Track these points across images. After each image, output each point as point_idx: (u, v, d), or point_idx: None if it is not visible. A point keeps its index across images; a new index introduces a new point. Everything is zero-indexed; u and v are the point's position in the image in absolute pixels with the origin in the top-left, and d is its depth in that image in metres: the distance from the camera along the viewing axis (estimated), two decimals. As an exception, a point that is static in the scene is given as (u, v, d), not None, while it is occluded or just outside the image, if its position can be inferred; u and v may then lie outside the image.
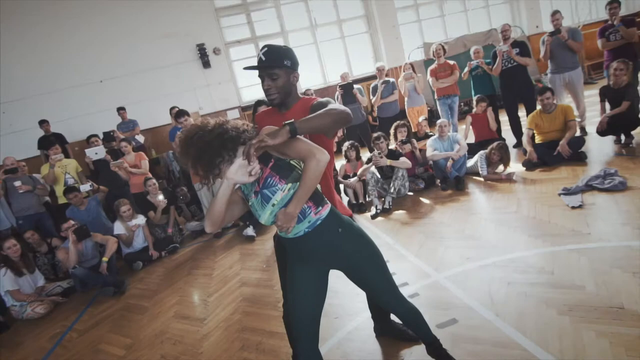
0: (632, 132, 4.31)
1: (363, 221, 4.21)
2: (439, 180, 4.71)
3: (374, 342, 2.24)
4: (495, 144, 4.47)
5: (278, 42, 8.29)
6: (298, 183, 1.40)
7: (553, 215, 3.18)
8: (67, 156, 5.91)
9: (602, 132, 4.39)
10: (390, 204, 4.37)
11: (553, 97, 4.45)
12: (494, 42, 8.73)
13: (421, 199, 4.50)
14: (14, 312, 3.98)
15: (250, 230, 4.57)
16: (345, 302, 2.68)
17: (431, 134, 5.20)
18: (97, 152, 5.29)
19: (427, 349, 1.87)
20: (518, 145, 5.36)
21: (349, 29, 9.58)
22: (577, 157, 4.23)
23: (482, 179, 4.52)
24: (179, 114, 4.85)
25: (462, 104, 8.09)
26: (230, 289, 3.43)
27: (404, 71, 6.16)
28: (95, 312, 3.76)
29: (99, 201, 5.19)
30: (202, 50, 8.33)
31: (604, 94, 4.49)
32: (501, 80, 5.36)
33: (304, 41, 9.31)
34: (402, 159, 4.52)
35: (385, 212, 4.29)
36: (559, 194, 3.51)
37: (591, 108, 5.48)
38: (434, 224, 3.69)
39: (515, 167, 4.57)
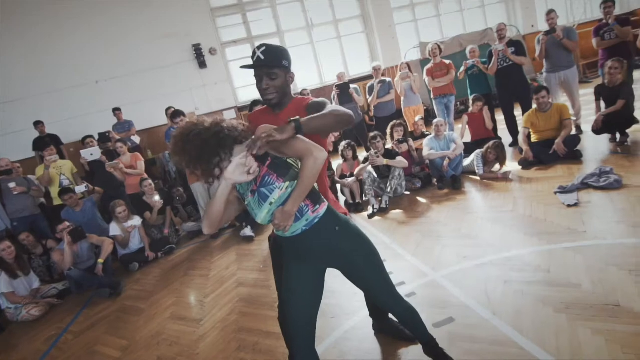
0: (627, 131, 4.32)
1: (360, 221, 4.20)
2: (435, 180, 4.71)
3: (371, 341, 2.23)
4: (491, 143, 4.48)
5: (274, 42, 8.20)
6: (295, 181, 1.40)
7: (549, 214, 3.19)
8: (62, 157, 5.89)
9: (597, 130, 4.40)
10: (387, 203, 4.37)
11: (548, 96, 4.47)
12: (489, 41, 8.74)
13: (418, 198, 4.50)
14: (8, 315, 3.95)
15: (248, 231, 4.55)
16: (343, 301, 2.68)
17: (427, 133, 5.20)
18: (92, 153, 5.27)
19: (423, 349, 1.86)
20: (514, 144, 5.38)
21: (345, 28, 9.58)
22: (573, 155, 4.25)
23: (478, 178, 4.52)
24: (174, 114, 4.84)
25: (458, 103, 8.12)
26: (226, 290, 3.42)
27: (400, 71, 6.16)
28: (91, 313, 3.73)
29: (94, 202, 5.17)
30: (198, 51, 8.31)
31: (599, 92, 4.51)
32: (497, 80, 5.38)
33: (300, 41, 9.30)
34: (399, 158, 4.52)
35: (382, 211, 4.29)
36: (555, 193, 3.52)
37: (586, 107, 5.50)
38: (430, 223, 3.69)
39: (512, 166, 4.58)
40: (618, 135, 4.40)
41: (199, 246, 4.91)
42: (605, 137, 4.54)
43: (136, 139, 6.76)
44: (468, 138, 5.44)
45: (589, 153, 4.36)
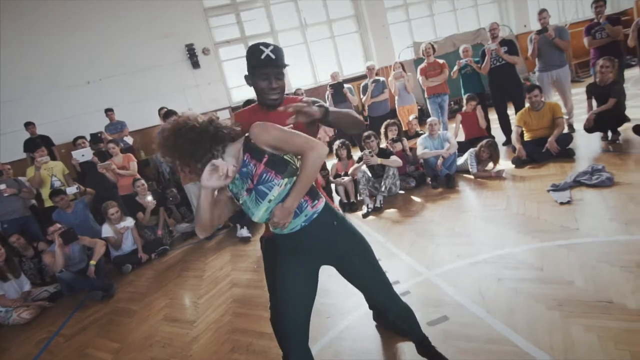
0: (619, 129, 4.36)
1: (354, 220, 4.19)
2: (429, 179, 4.72)
3: (366, 341, 2.23)
4: (484, 141, 4.49)
5: (268, 42, 8.24)
6: (294, 178, 1.39)
7: (542, 212, 3.21)
8: (53, 158, 5.81)
9: (589, 129, 4.44)
10: (382, 202, 4.37)
11: (541, 95, 4.49)
12: (482, 41, 8.79)
13: (412, 197, 4.50)
14: (-1, 318, 3.90)
15: (245, 232, 4.52)
16: (338, 301, 2.67)
17: (421, 132, 5.21)
18: (83, 154, 5.21)
19: (417, 348, 1.86)
20: (507, 142, 5.40)
21: (339, 28, 9.58)
22: (565, 153, 4.27)
23: (472, 177, 4.54)
24: (167, 114, 4.78)
25: (452, 102, 8.15)
26: (220, 291, 3.39)
27: (394, 70, 6.16)
28: (83, 316, 3.69)
29: (86, 204, 5.11)
30: (191, 51, 8.26)
31: (591, 91, 4.54)
32: (490, 79, 5.40)
33: (294, 41, 9.28)
34: (393, 157, 4.52)
35: (376, 210, 4.29)
36: (548, 191, 3.53)
37: (578, 105, 5.54)
38: (424, 222, 3.70)
39: (505, 164, 4.60)
40: (610, 134, 4.44)
41: (192, 247, 4.87)
42: (597, 136, 4.58)
43: (129, 140, 6.70)
44: (462, 137, 5.45)
45: (581, 151, 4.39)
